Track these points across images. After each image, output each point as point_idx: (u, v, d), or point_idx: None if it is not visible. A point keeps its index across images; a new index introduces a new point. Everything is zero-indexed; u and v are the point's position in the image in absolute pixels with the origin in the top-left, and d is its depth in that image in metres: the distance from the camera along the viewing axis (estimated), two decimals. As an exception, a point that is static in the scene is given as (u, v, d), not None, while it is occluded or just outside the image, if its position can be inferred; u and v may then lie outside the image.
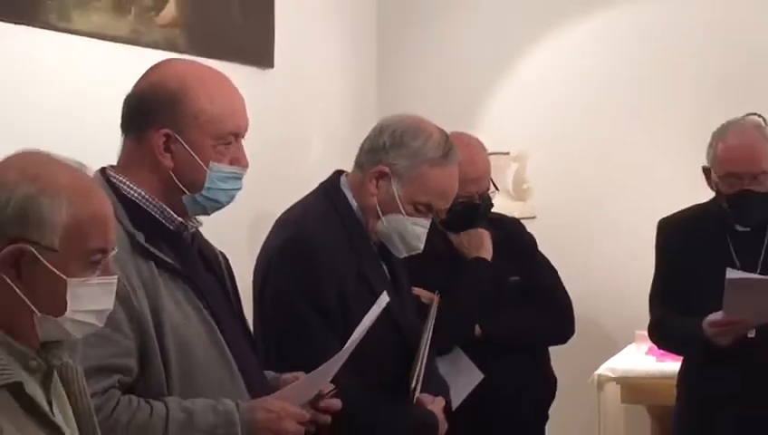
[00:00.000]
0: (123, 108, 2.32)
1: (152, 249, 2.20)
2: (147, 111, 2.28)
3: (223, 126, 2.29)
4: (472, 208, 3.26)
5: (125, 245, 2.15)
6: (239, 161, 2.32)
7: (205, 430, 2.15)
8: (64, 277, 1.76)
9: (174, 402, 2.16)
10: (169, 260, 2.23)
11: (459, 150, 3.13)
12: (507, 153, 4.42)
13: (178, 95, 2.27)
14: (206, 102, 2.28)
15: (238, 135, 2.33)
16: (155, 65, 2.41)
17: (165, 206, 2.27)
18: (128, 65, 2.85)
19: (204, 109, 2.27)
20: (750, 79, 4.23)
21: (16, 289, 1.75)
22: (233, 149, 2.31)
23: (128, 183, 2.26)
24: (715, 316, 3.14)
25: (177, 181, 2.27)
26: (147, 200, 2.26)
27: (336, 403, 2.36)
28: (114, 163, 2.32)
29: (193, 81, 2.30)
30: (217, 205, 2.34)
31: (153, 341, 2.16)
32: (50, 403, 1.80)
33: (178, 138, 2.25)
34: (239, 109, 2.35)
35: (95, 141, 2.37)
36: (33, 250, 1.74)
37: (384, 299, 2.48)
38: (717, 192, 3.31)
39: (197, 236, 2.39)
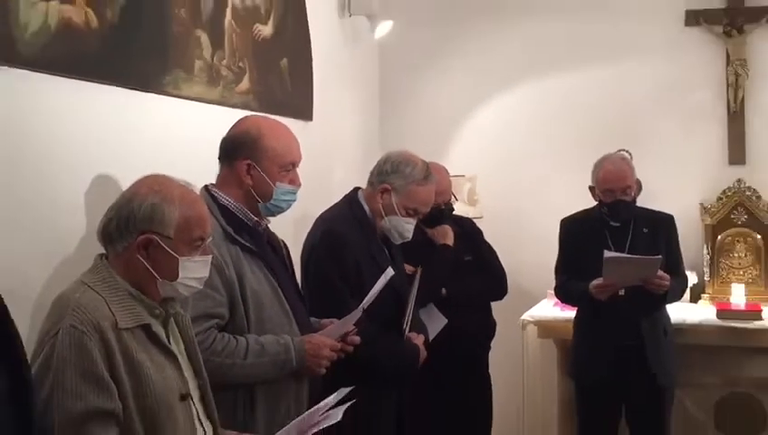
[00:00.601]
0: (220, 145, 2.32)
1: (238, 238, 2.20)
2: (235, 148, 2.27)
3: (285, 159, 2.28)
4: (439, 212, 3.22)
5: (220, 235, 2.16)
6: (295, 182, 2.31)
7: (271, 355, 2.15)
8: (177, 256, 1.77)
9: (251, 337, 2.15)
10: (249, 245, 2.22)
11: None
12: (464, 175, 4.40)
13: (257, 138, 2.26)
14: (275, 143, 2.27)
15: (295, 164, 2.32)
16: (241, 118, 2.41)
17: (246, 210, 2.26)
18: (218, 119, 2.83)
19: (273, 147, 2.26)
20: (615, 130, 4.20)
21: (146, 264, 1.76)
22: (291, 173, 2.30)
23: (222, 195, 2.25)
24: (598, 281, 3.13)
25: (254, 194, 2.26)
26: (234, 206, 2.25)
27: (357, 339, 2.35)
28: (213, 182, 2.31)
29: (266, 129, 2.30)
30: (280, 210, 2.33)
31: (238, 297, 2.15)
32: (168, 338, 1.81)
33: (256, 166, 2.25)
34: (295, 147, 2.34)
35: (198, 168, 2.34)
36: (157, 239, 1.76)
37: (390, 272, 2.47)
38: (599, 201, 3.30)
39: (267, 229, 2.37)
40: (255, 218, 2.27)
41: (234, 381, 2.10)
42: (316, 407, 1.84)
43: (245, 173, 2.24)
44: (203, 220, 1.82)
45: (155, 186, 1.79)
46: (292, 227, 2.95)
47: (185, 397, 1.74)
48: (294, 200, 2.33)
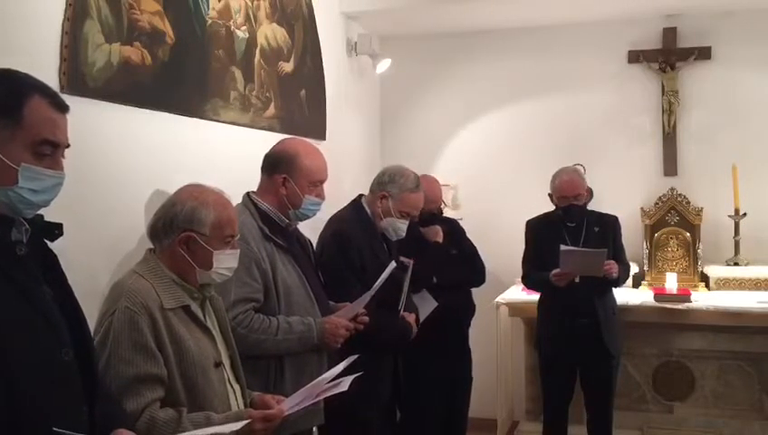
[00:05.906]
0: (264, 159, 2.28)
1: (272, 236, 2.17)
2: (276, 163, 2.24)
3: (314, 177, 2.25)
4: (431, 215, 3.19)
5: (258, 233, 2.13)
6: (320, 196, 2.27)
7: (297, 332, 2.12)
8: (211, 250, 1.75)
9: (281, 318, 2.13)
10: (281, 242, 2.19)
11: (425, 185, 3.08)
12: (449, 184, 4.33)
13: (293, 157, 2.23)
14: (308, 163, 2.24)
15: (322, 181, 2.28)
16: (284, 139, 2.38)
17: (280, 214, 2.23)
18: (248, 139, 2.84)
19: (306, 165, 2.23)
20: (571, 148, 4.18)
21: (187, 256, 1.74)
22: (318, 189, 2.26)
23: (261, 201, 2.22)
24: (556, 271, 3.10)
25: (287, 202, 2.22)
26: (270, 210, 2.21)
27: (366, 319, 2.30)
28: (245, 188, 2.27)
29: (302, 151, 2.26)
30: (306, 217, 2.29)
31: (271, 285, 2.12)
32: (204, 317, 1.78)
33: (291, 180, 2.21)
34: (324, 168, 2.30)
35: (231, 178, 2.32)
36: (196, 236, 1.74)
37: (392, 265, 2.44)
38: (556, 206, 3.27)
39: (296, 230, 2.34)
40: (287, 221, 2.24)
41: (267, 352, 2.08)
42: (322, 376, 1.79)
43: (281, 185, 2.21)
44: (232, 221, 1.80)
45: (194, 192, 1.78)
46: (315, 228, 2.93)
47: (218, 364, 1.73)
48: (319, 210, 2.30)
